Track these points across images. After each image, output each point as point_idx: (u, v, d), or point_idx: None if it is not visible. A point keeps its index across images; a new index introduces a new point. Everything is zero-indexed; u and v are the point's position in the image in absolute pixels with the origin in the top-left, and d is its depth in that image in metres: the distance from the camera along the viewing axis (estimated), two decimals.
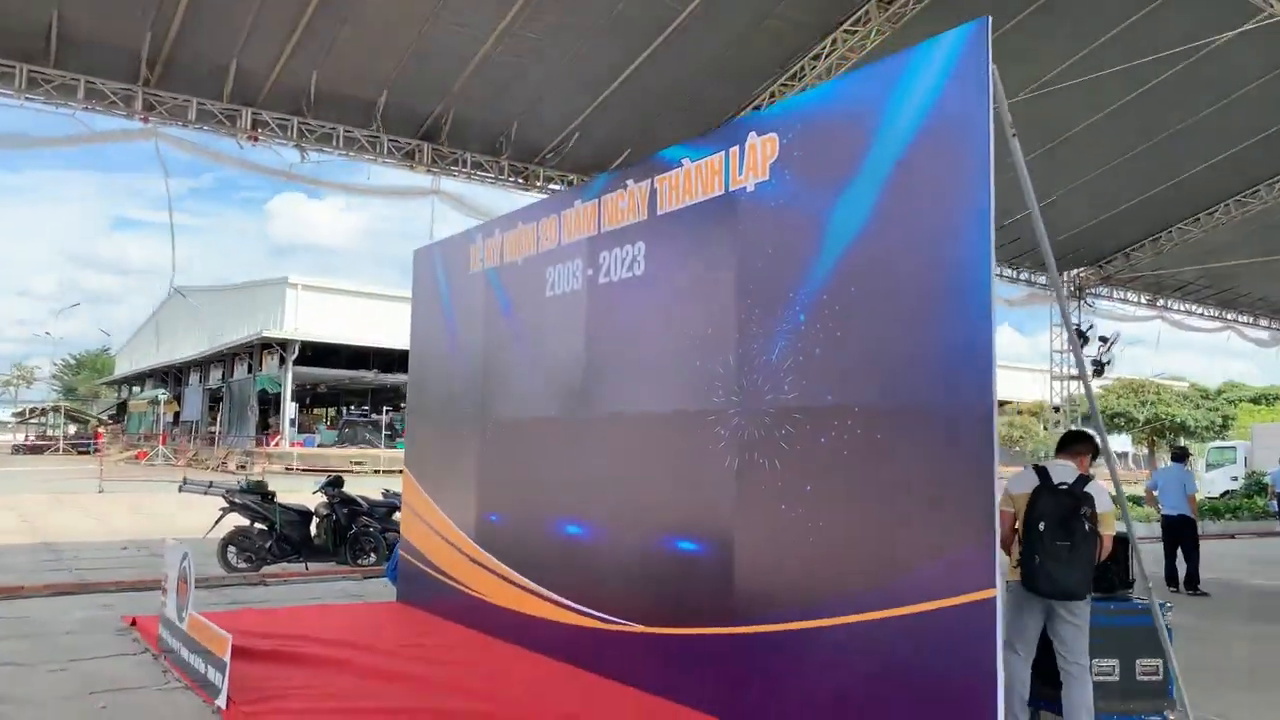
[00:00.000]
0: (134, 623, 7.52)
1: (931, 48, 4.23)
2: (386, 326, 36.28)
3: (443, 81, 11.21)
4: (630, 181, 6.14)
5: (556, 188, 13.01)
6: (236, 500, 10.91)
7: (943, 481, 4.04)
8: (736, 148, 5.29)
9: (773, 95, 11.96)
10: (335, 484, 11.58)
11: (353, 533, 11.29)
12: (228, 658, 5.20)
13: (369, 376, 42.80)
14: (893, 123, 4.37)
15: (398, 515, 11.83)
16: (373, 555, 11.33)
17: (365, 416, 45.64)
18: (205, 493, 11.16)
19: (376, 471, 33.98)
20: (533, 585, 6.70)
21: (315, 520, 11.25)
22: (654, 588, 5.63)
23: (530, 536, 6.85)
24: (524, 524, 6.97)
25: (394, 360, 41.03)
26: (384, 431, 41.28)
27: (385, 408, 44.42)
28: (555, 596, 6.44)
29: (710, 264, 5.43)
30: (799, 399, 4.76)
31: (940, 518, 4.03)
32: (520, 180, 12.84)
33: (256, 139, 10.93)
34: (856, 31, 11.04)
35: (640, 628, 5.69)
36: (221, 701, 5.17)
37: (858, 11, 10.91)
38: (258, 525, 10.92)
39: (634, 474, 5.92)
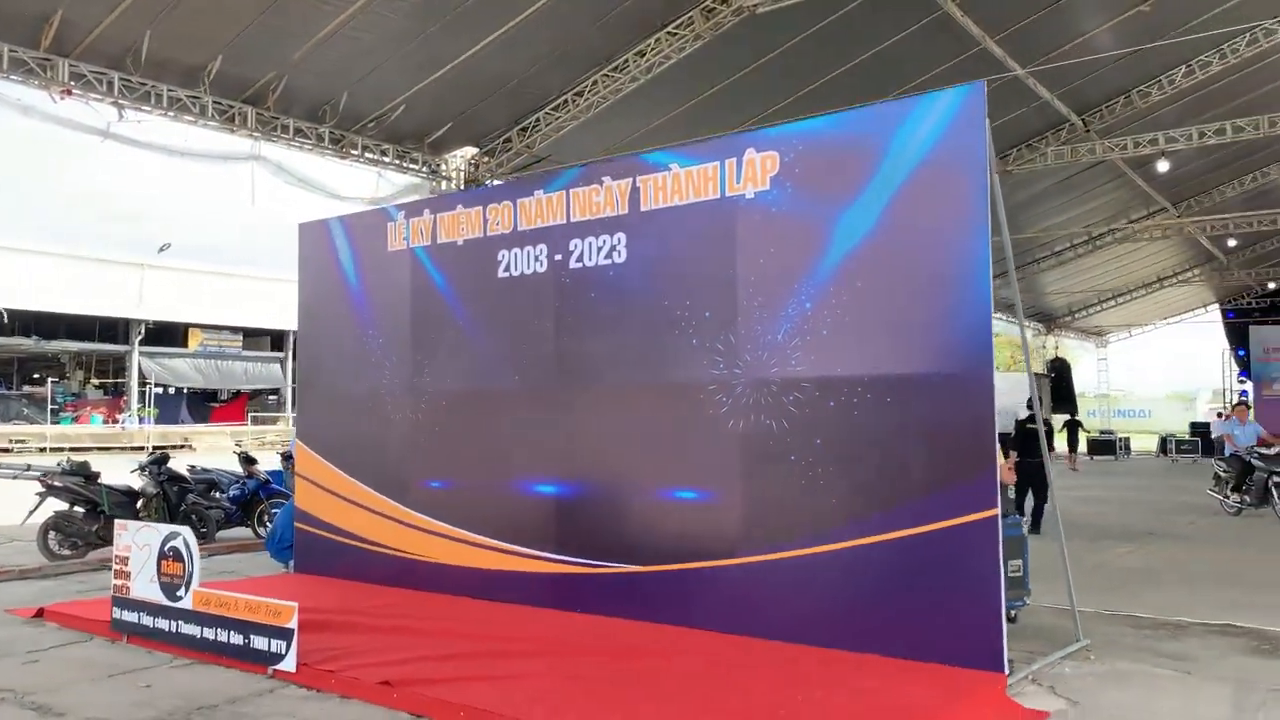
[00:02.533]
0: (40, 613, 7.16)
1: (935, 98, 5.53)
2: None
3: (283, 50, 10.96)
4: (607, 178, 6.91)
5: (373, 157, 13.06)
6: (56, 483, 10.20)
7: (947, 430, 5.38)
8: (734, 159, 6.28)
9: (595, 83, 12.86)
10: (160, 461, 11.12)
11: (183, 510, 10.94)
12: (294, 624, 5.45)
13: (27, 343, 38.04)
14: (900, 151, 5.61)
15: (217, 492, 11.66)
16: (204, 531, 11.04)
17: (15, 389, 40.59)
18: (16, 476, 10.25)
19: (43, 449, 30.85)
20: (495, 543, 7.31)
21: (142, 500, 10.76)
22: (650, 533, 6.55)
23: (489, 498, 7.44)
24: (480, 488, 7.53)
25: (63, 326, 37.06)
26: (48, 405, 37.14)
27: (50, 378, 39.74)
28: (528, 550, 7.12)
29: (706, 258, 6.39)
30: (807, 371, 5.90)
31: (946, 457, 5.37)
32: (335, 148, 12.73)
33: (70, 92, 10.10)
34: (677, 34, 12.22)
35: (634, 568, 6.58)
36: (289, 665, 5.42)
37: (681, 16, 12.09)
38: (78, 508, 10.29)
39: (621, 437, 6.76)
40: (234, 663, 5.71)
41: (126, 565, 6.54)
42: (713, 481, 6.30)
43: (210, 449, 32.50)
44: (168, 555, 6.27)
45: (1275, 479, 12.62)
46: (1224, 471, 13.72)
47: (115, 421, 37.96)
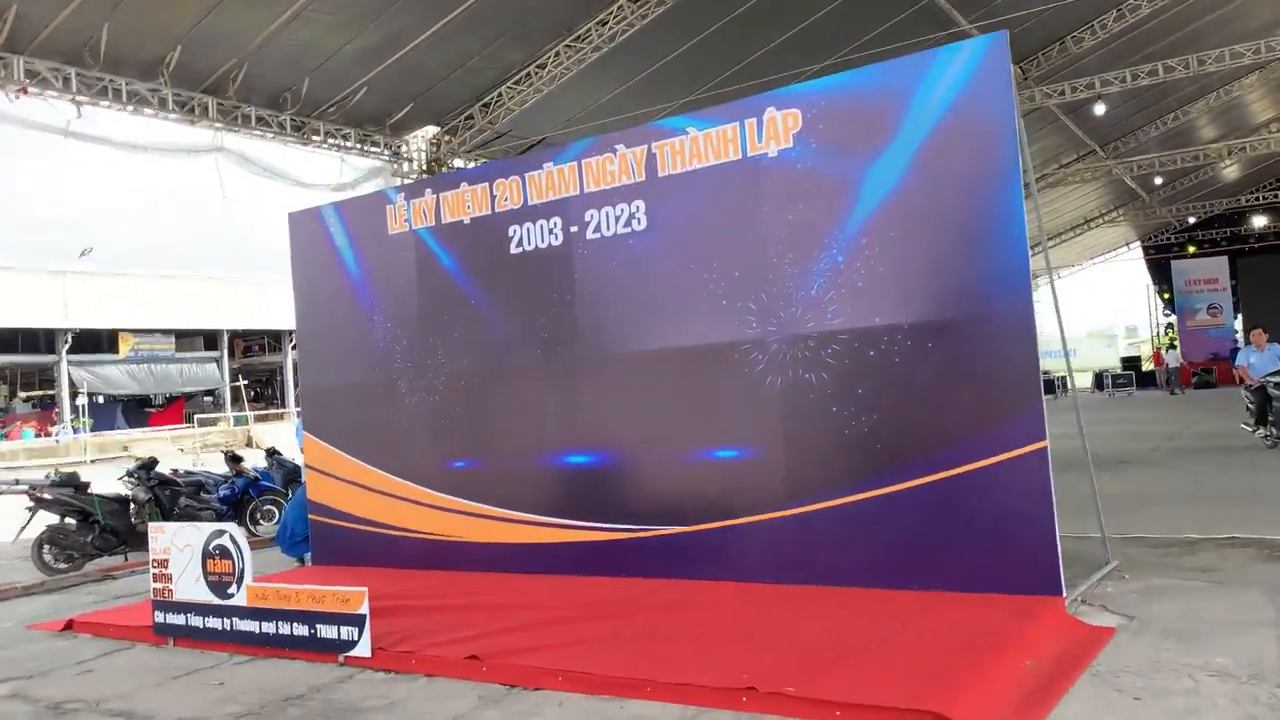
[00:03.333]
0: (70, 625, 7.02)
1: (957, 49, 5.68)
2: None
3: (241, 38, 10.69)
4: (620, 146, 6.94)
5: (335, 142, 12.82)
6: (46, 495, 9.93)
7: (991, 370, 5.58)
8: (754, 119, 6.37)
9: (557, 54, 12.80)
10: (148, 466, 10.89)
11: (175, 513, 10.74)
12: (365, 609, 5.45)
13: None
14: (924, 103, 5.76)
15: (204, 493, 11.46)
16: None
17: None
18: (4, 492, 9.94)
19: None
20: (529, 516, 7.36)
21: (134, 506, 10.52)
22: (692, 493, 6.66)
23: (518, 473, 7.47)
24: (508, 463, 7.56)
25: None
26: None
27: None
28: (565, 521, 7.19)
29: (731, 218, 6.48)
30: (845, 323, 6.05)
31: (992, 396, 5.58)
32: (298, 135, 12.47)
33: (26, 91, 9.72)
34: (607, 23, 12.26)
35: (677, 529, 6.70)
36: (363, 650, 5.43)
37: (611, 6, 12.12)
38: (70, 520, 10.04)
39: (654, 403, 6.84)
40: (300, 654, 5.69)
41: (167, 568, 6.44)
42: (754, 438, 6.43)
43: (152, 455, 31.61)
44: (214, 554, 6.19)
45: None
46: (1251, 403, 12.67)
47: (48, 434, 36.72)
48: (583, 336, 7.17)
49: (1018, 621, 5.04)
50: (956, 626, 4.99)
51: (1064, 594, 5.42)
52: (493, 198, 7.58)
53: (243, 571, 6.06)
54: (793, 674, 4.36)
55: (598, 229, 7.05)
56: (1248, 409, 12.61)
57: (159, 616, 6.45)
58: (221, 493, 11.48)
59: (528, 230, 7.40)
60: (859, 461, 6.02)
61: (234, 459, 11.90)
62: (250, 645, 5.94)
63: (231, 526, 6.19)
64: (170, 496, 10.77)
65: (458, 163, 14.59)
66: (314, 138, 12.58)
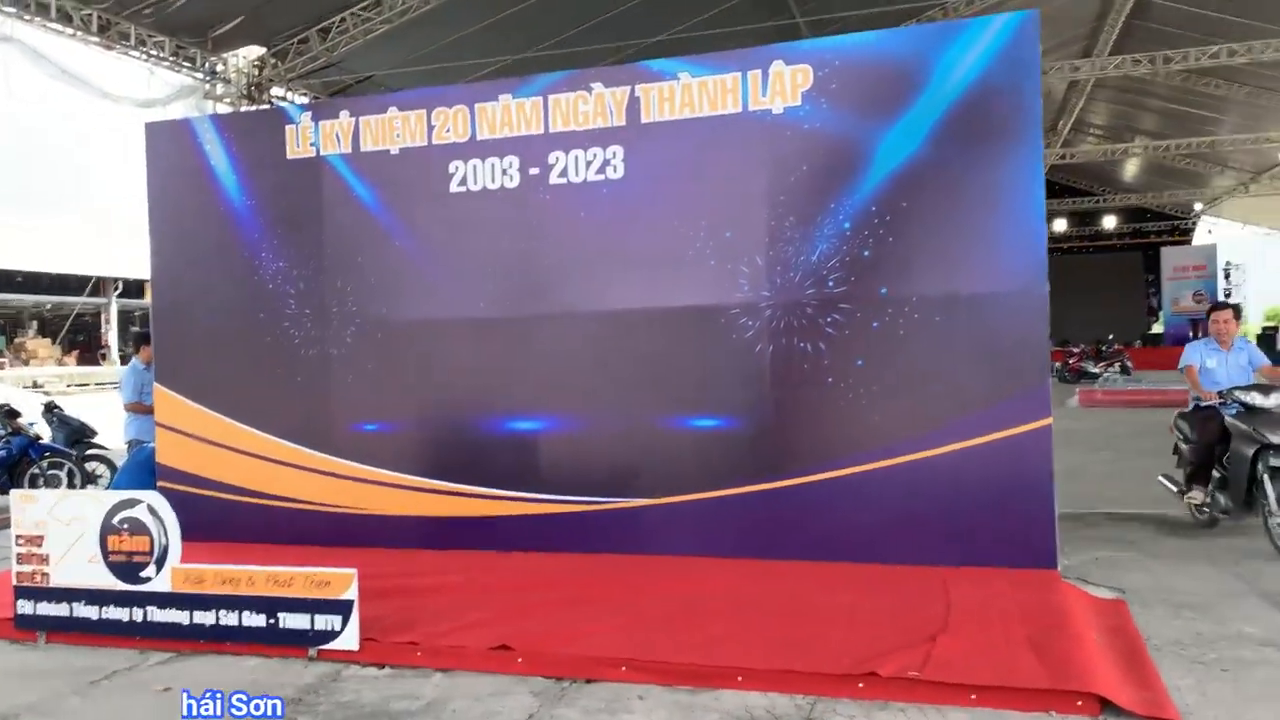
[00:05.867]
0: None
1: (986, 23, 5.64)
2: None
3: None
4: (598, 85, 6.34)
5: (145, 51, 10.96)
6: None
7: (1000, 346, 5.62)
8: (758, 71, 6.01)
9: None
10: None
11: None
12: (353, 594, 4.60)
13: None
14: (947, 73, 5.67)
15: None
16: None
17: None
18: None
19: None
20: (463, 488, 6.62)
21: None
22: (662, 464, 6.24)
23: (449, 440, 6.70)
24: (434, 429, 6.76)
25: None
26: None
27: None
28: (504, 492, 6.53)
29: (725, 175, 6.09)
30: (848, 292, 5.87)
31: (999, 372, 5.62)
32: (103, 36, 10.55)
33: None
34: None
35: (644, 501, 6.26)
36: (347, 643, 4.58)
37: None
38: None
39: (621, 366, 6.33)
40: (248, 648, 4.74)
41: (39, 547, 5.15)
42: (738, 407, 6.12)
43: None
44: (118, 529, 5.02)
45: (1272, 459, 6.00)
46: (1185, 441, 6.97)
47: None
48: (540, 289, 6.51)
49: (1044, 593, 5.08)
50: (996, 599, 4.96)
51: (1058, 567, 5.56)
52: (430, 128, 6.71)
53: (165, 549, 4.95)
54: (893, 654, 4.12)
55: (564, 173, 6.42)
56: (1176, 449, 7.20)
57: (24, 606, 5.16)
58: None
59: (474, 168, 6.61)
60: (856, 435, 5.88)
61: (10, 414, 9.96)
62: (172, 639, 4.87)
63: (150, 495, 5.04)
64: None
65: (277, 91, 13.01)
66: (122, 42, 10.69)
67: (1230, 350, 6.83)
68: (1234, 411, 6.39)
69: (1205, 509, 6.69)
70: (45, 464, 9.71)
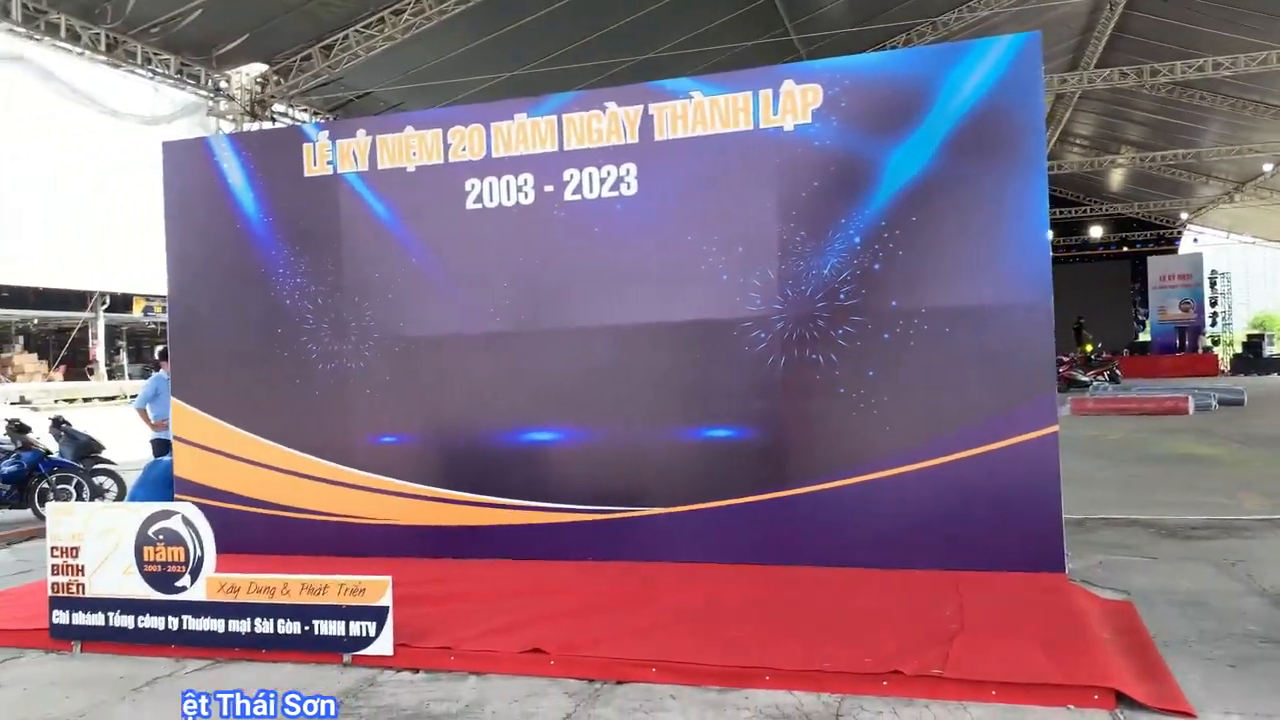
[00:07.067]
0: None
1: (990, 44, 5.84)
2: None
3: None
4: (611, 104, 6.51)
5: (151, 69, 11.09)
6: None
7: (1007, 357, 5.80)
8: (769, 90, 6.20)
9: (400, 11, 11.84)
10: None
11: None
12: (387, 601, 4.73)
13: None
14: (953, 93, 5.86)
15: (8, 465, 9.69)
16: None
17: None
18: None
19: None
20: (479, 498, 6.76)
21: None
22: (677, 474, 6.39)
23: (465, 452, 6.84)
24: (450, 440, 6.89)
25: None
26: None
27: None
28: (525, 503, 6.66)
29: (737, 191, 6.27)
30: (858, 305, 6.05)
31: (1007, 383, 5.80)
32: (108, 55, 10.67)
33: None
34: None
35: (659, 510, 6.41)
36: (381, 648, 4.71)
37: None
38: None
39: (634, 378, 6.49)
40: (285, 655, 4.86)
41: (75, 558, 5.27)
42: (752, 417, 6.28)
43: None
44: (154, 540, 5.14)
45: None
46: None
47: None
48: (555, 304, 6.67)
49: (1053, 595, 5.26)
50: (1008, 601, 5.13)
51: (1066, 570, 5.74)
52: (446, 146, 6.87)
53: (201, 560, 5.08)
54: (914, 654, 4.28)
55: (578, 190, 6.59)
56: None
57: (59, 616, 5.27)
58: (4, 469, 9.70)
59: (490, 185, 6.77)
60: (867, 444, 6.05)
61: (20, 429, 10.05)
62: (208, 648, 4.99)
63: (185, 507, 5.16)
64: None
65: (279, 107, 13.14)
66: (128, 60, 10.82)
67: None
68: None
69: None
70: (54, 478, 9.80)
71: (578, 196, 6.59)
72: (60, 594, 5.27)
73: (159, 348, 8.20)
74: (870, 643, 4.48)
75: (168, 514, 5.16)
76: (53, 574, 5.30)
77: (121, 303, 39.04)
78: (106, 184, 28.88)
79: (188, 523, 5.11)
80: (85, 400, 30.85)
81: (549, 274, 6.68)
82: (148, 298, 39.71)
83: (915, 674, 4.07)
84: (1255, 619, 4.97)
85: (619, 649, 4.59)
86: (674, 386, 6.45)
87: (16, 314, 37.58)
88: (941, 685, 4.01)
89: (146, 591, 5.13)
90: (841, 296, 6.09)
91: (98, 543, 5.24)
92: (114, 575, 5.19)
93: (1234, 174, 31.34)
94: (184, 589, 5.08)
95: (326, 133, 7.20)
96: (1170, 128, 26.37)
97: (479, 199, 6.79)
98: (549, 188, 6.64)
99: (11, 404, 26.69)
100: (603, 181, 6.54)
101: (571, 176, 6.59)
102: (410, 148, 6.95)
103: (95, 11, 10.15)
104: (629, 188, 6.49)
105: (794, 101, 6.16)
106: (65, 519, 5.33)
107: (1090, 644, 4.39)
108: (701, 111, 6.35)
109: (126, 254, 30.82)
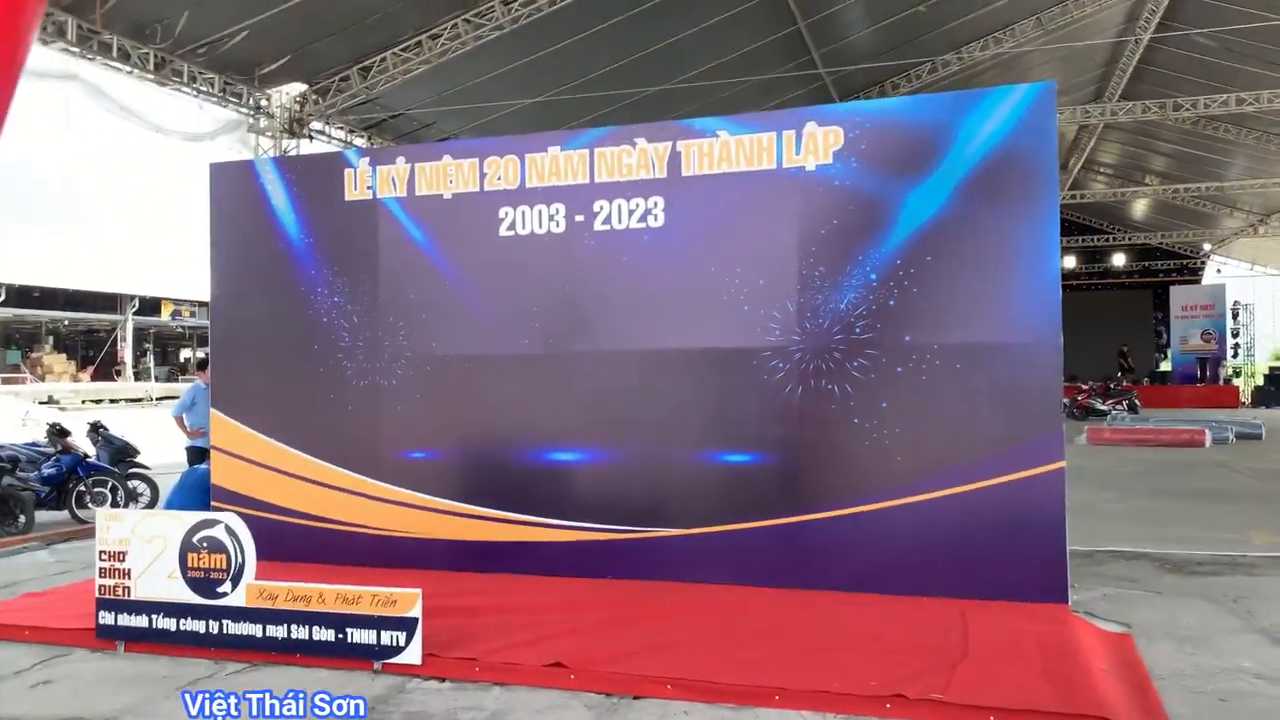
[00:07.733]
0: None
1: (1007, 92, 6.08)
2: None
3: None
4: (642, 140, 6.79)
5: (196, 88, 11.49)
6: None
7: (1016, 394, 6.01)
8: (792, 131, 6.46)
9: (455, 26, 12.21)
10: None
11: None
12: (417, 612, 4.99)
13: None
14: (969, 138, 6.10)
15: (20, 471, 10.01)
16: (21, 518, 9.45)
17: None
18: None
19: None
20: (503, 514, 7.01)
21: None
22: (695, 497, 6.63)
23: (495, 468, 7.10)
24: (481, 457, 7.16)
25: None
26: None
27: None
28: (543, 520, 6.91)
29: (760, 226, 6.53)
30: (874, 339, 6.28)
31: (1015, 418, 6.01)
32: (156, 74, 11.07)
33: None
34: (511, 2, 11.96)
35: (676, 531, 6.65)
36: (411, 657, 4.97)
37: None
38: None
39: (659, 403, 6.74)
40: (320, 661, 5.12)
41: (122, 562, 5.57)
42: (769, 444, 6.52)
43: None
44: (198, 548, 5.43)
45: None
46: None
47: None
48: (583, 329, 6.94)
49: (1055, 626, 5.45)
50: (1012, 631, 5.33)
51: (1069, 602, 5.93)
52: (482, 175, 7.17)
53: (242, 567, 5.36)
54: (918, 678, 4.49)
55: (607, 220, 6.86)
56: None
57: (106, 617, 5.56)
58: (45, 471, 10.06)
59: (523, 214, 7.06)
60: (879, 473, 6.27)
61: (60, 433, 10.41)
62: (246, 651, 5.27)
63: (228, 516, 5.45)
64: None
65: (316, 125, 13.54)
66: (174, 79, 11.22)
67: None
68: None
69: None
70: (91, 482, 10.14)
71: (607, 227, 6.86)
72: (107, 596, 5.57)
73: (199, 355, 8.58)
74: (877, 666, 4.69)
75: (211, 523, 5.44)
76: (100, 576, 5.59)
77: (150, 306, 39.69)
78: (147, 194, 29.59)
79: (230, 532, 5.39)
80: (112, 401, 31.38)
81: (577, 300, 6.95)
82: (176, 302, 40.43)
83: (918, 698, 4.28)
84: (1249, 655, 5.14)
85: (637, 665, 4.83)
86: (695, 411, 6.70)
87: (46, 314, 38.28)
88: (943, 710, 4.22)
89: (189, 596, 5.41)
90: (858, 330, 6.33)
91: (144, 548, 5.53)
92: (159, 579, 5.48)
93: (1259, 206, 31.31)
94: (225, 594, 5.36)
95: (367, 159, 7.51)
96: (1195, 159, 26.43)
97: (512, 226, 7.08)
98: (579, 217, 6.92)
99: (40, 403, 27.25)
100: (631, 213, 6.81)
101: (601, 208, 6.87)
102: (448, 176, 7.25)
103: (146, 32, 10.56)
104: (656, 220, 6.76)
105: (816, 143, 6.41)
106: (114, 525, 5.63)
107: (1086, 675, 4.58)
108: (727, 150, 6.61)
109: (160, 260, 31.51)
